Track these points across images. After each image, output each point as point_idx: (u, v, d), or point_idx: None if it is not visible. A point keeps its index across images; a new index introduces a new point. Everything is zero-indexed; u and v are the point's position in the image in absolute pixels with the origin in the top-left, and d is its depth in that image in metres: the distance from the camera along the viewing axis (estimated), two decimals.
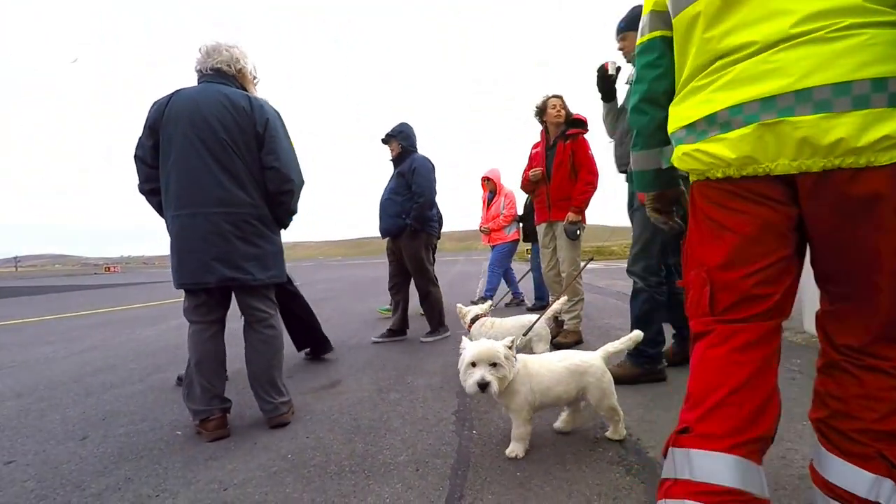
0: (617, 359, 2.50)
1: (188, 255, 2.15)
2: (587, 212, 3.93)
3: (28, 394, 3.19)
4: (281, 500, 1.63)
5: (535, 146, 4.18)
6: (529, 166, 4.19)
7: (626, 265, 2.94)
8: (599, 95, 3.08)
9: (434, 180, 4.15)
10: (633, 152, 1.40)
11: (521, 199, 6.22)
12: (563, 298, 3.03)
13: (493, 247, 6.23)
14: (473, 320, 3.20)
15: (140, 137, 2.23)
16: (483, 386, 1.67)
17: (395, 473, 1.77)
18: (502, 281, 6.38)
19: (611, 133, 3.10)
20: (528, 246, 6.43)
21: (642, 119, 1.31)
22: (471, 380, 1.70)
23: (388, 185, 4.30)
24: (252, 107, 2.23)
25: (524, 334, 2.72)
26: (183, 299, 2.30)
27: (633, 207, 2.78)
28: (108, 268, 62.22)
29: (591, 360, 1.90)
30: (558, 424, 2.07)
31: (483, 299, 5.88)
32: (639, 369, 2.66)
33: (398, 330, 4.44)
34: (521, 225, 6.17)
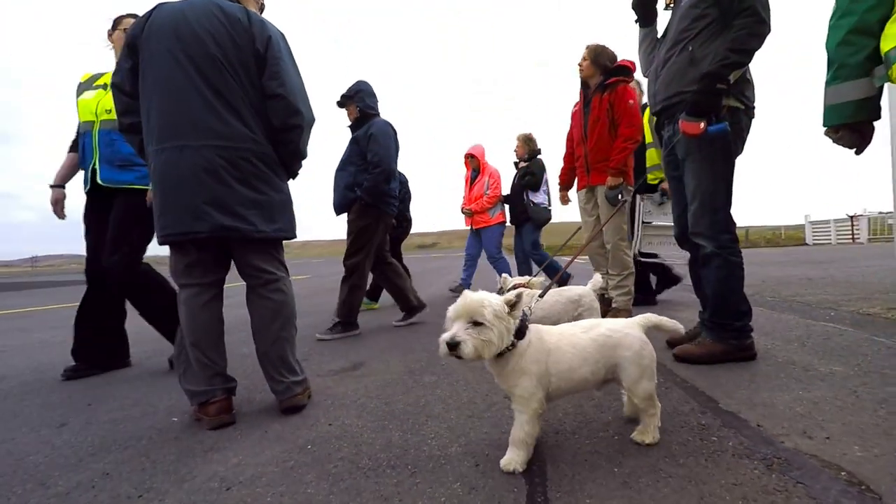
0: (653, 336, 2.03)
1: (174, 198, 1.74)
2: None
3: (13, 377, 2.84)
4: (301, 503, 1.22)
5: (576, 105, 3.72)
6: (570, 128, 3.75)
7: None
8: (634, 18, 2.61)
9: (394, 148, 3.56)
10: (833, 86, 1.50)
11: (507, 178, 5.86)
12: (597, 278, 2.59)
13: (475, 230, 5.78)
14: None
15: (118, 60, 1.83)
16: (452, 346, 1.21)
17: (449, 469, 1.35)
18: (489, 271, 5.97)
19: (646, 67, 2.61)
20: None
21: (848, 50, 1.41)
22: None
23: (342, 155, 3.76)
24: (251, 21, 1.82)
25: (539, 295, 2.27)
26: (170, 258, 1.90)
27: (672, 157, 2.32)
28: None
29: (626, 329, 1.44)
30: (626, 412, 1.63)
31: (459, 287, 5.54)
32: (722, 346, 2.20)
33: (413, 308, 3.98)
34: (505, 206, 5.75)
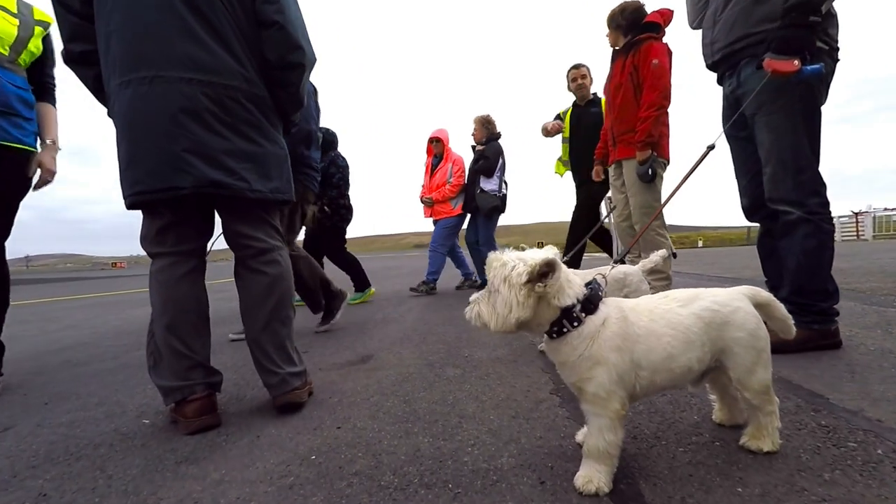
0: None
1: (146, 145, 1.37)
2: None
3: None
4: None
5: None
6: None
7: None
8: None
9: (315, 107, 2.95)
10: None
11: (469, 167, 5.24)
12: (662, 252, 2.22)
13: (435, 221, 5.23)
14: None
15: None
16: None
17: (505, 489, 0.99)
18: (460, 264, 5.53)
19: (693, 17, 2.25)
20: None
21: None
22: None
23: None
24: None
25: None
26: (142, 224, 1.54)
27: (739, 113, 1.95)
28: (115, 264, 62.77)
29: (735, 301, 1.07)
30: (718, 416, 1.27)
31: (426, 283, 5.07)
32: (803, 331, 1.85)
33: (326, 309, 3.25)
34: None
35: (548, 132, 4.31)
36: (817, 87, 1.82)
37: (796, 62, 1.69)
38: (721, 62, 2.06)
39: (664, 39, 2.98)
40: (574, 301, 0.97)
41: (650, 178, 2.88)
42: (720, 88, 2.18)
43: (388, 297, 5.07)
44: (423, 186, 5.37)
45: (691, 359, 1.02)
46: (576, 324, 0.97)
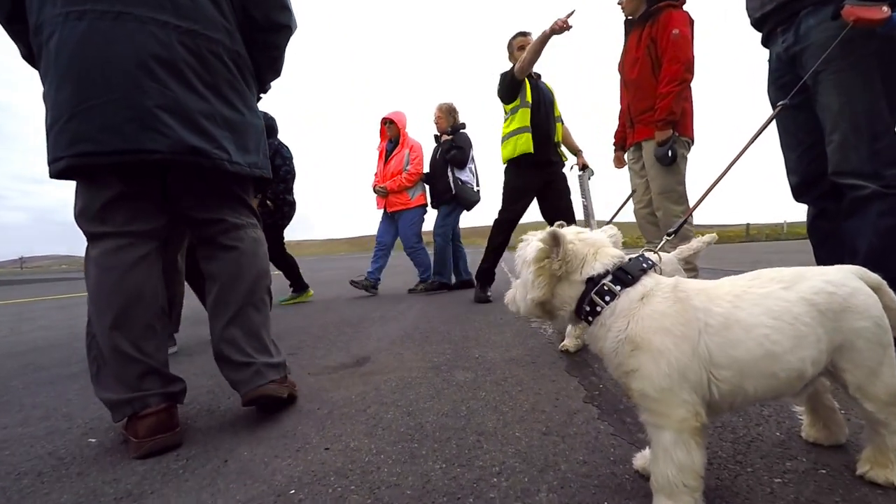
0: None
1: (102, 92, 1.10)
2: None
3: None
4: None
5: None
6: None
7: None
8: None
9: None
10: None
11: (428, 154, 4.84)
12: (708, 237, 1.95)
13: (388, 214, 4.74)
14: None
15: None
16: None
17: None
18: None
19: None
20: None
21: None
22: None
23: None
24: None
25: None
26: (75, 194, 1.24)
27: (787, 76, 1.68)
28: None
29: (853, 282, 0.81)
30: (811, 433, 0.99)
31: (423, 282, 4.74)
32: None
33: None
34: (426, 187, 4.80)
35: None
36: None
37: (885, 8, 1.40)
38: (772, 14, 1.75)
39: (685, 8, 2.68)
40: (603, 271, 0.80)
41: (670, 160, 2.57)
42: (749, 62, 1.90)
43: (385, 294, 4.79)
44: (375, 175, 4.80)
45: (804, 359, 0.75)
46: (607, 298, 0.78)
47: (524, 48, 3.29)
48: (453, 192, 4.49)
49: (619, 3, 2.85)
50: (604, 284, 0.79)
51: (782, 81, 1.80)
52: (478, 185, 4.70)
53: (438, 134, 4.72)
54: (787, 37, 1.74)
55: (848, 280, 0.81)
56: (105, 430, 1.34)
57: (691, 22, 2.60)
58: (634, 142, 2.90)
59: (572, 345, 1.90)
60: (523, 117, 3.40)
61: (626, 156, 3.08)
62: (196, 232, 1.38)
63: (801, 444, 0.98)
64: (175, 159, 1.18)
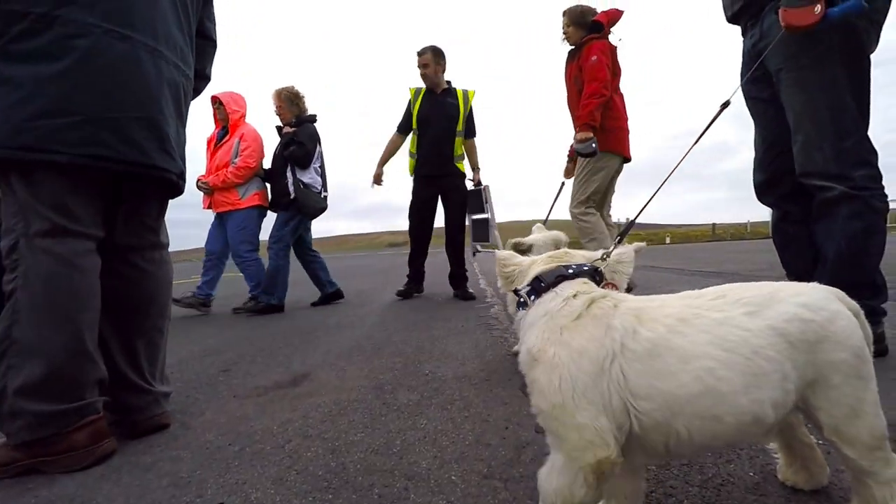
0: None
1: (132, 109, 1.21)
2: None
3: None
4: None
5: None
6: None
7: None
8: None
9: None
10: None
11: (271, 145, 4.02)
12: (636, 245, 1.87)
13: (217, 215, 3.91)
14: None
15: None
16: None
17: None
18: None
19: None
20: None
21: None
22: None
23: None
24: None
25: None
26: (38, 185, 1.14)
27: (757, 71, 1.59)
28: None
29: (832, 304, 0.66)
30: (787, 475, 0.85)
31: (252, 299, 3.87)
32: None
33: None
34: (267, 185, 4.03)
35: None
36: (863, 28, 1.44)
37: (817, 8, 1.30)
38: (742, 12, 1.69)
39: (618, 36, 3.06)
40: (526, 282, 0.78)
41: (593, 150, 2.81)
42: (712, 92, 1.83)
43: (350, 298, 4.56)
44: (206, 169, 4.00)
45: (761, 402, 0.61)
46: (521, 310, 0.78)
47: (422, 65, 3.70)
48: (292, 195, 3.73)
49: (563, 34, 3.11)
50: (518, 294, 0.76)
51: (754, 76, 1.70)
52: (325, 190, 3.97)
53: (280, 125, 3.97)
54: (754, 32, 1.68)
55: (827, 303, 0.67)
56: None
57: (612, 49, 2.95)
58: (573, 155, 3.14)
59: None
60: (411, 143, 3.86)
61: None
62: (123, 241, 1.35)
63: (777, 488, 0.84)
64: (172, 180, 1.35)
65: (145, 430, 1.30)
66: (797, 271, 1.76)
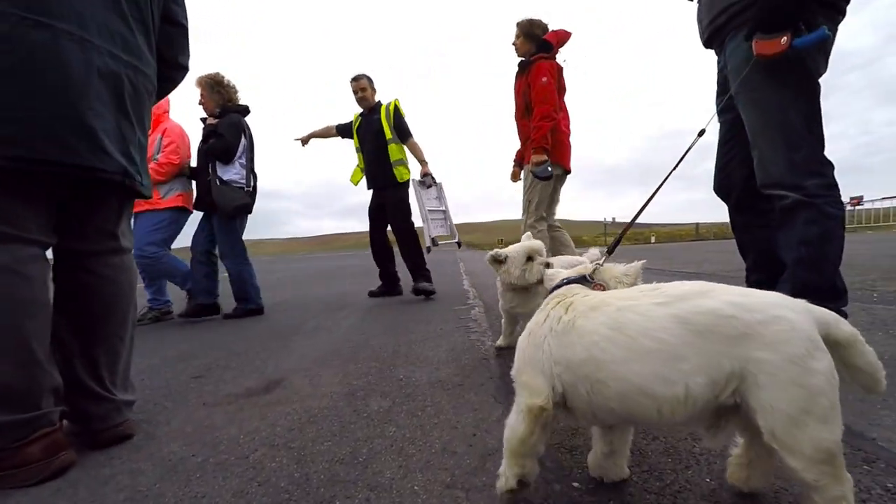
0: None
1: (53, 104, 1.11)
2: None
3: None
4: None
5: None
6: None
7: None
8: None
9: None
10: None
11: (196, 142, 3.71)
12: (597, 250, 1.95)
13: (135, 214, 3.33)
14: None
15: None
16: None
17: None
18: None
19: None
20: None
21: None
22: None
23: None
24: None
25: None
26: None
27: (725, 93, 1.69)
28: None
29: (774, 310, 0.68)
30: (732, 473, 0.86)
31: (153, 309, 3.68)
32: None
33: None
34: (194, 184, 3.74)
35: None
36: (812, 56, 1.51)
37: (784, 40, 1.42)
38: (711, 40, 1.81)
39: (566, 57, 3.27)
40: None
41: (548, 173, 3.02)
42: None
43: (329, 300, 4.52)
44: None
45: (643, 375, 0.72)
46: None
47: (356, 92, 4.08)
48: (213, 195, 3.45)
49: (513, 44, 3.25)
50: None
51: (720, 98, 1.84)
52: (250, 186, 3.61)
53: (204, 116, 3.67)
54: (721, 59, 1.83)
55: (769, 308, 0.68)
56: None
57: (559, 69, 3.13)
58: (525, 164, 3.30)
59: (504, 342, 2.04)
60: (359, 159, 4.25)
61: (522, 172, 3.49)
62: (79, 245, 1.30)
63: (732, 495, 0.85)
64: (113, 180, 1.24)
65: (107, 440, 1.26)
66: (765, 277, 1.82)
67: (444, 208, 4.31)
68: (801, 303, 0.71)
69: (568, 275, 1.01)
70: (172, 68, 1.53)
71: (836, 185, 1.54)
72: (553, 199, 3.32)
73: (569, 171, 3.33)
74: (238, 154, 3.54)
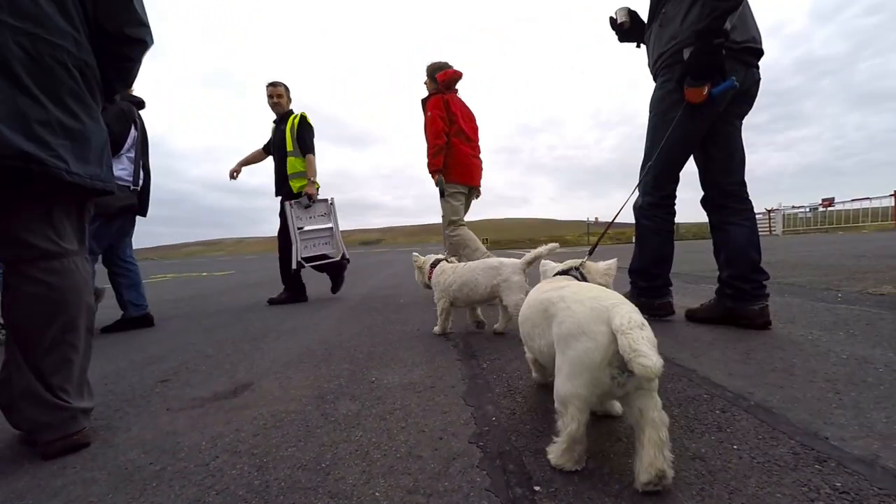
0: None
1: None
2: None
3: None
4: None
5: None
6: None
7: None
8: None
9: None
10: None
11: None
12: (551, 245, 2.12)
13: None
14: (433, 266, 2.54)
15: None
16: None
17: None
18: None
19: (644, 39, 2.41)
20: None
21: None
22: None
23: None
24: None
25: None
26: None
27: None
28: None
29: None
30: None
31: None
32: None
33: None
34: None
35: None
36: (722, 98, 1.97)
37: (705, 91, 1.87)
38: (654, 74, 2.24)
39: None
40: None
41: (443, 189, 3.68)
42: None
43: (312, 300, 4.47)
44: None
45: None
46: None
47: (271, 97, 4.29)
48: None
49: (425, 84, 3.81)
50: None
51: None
52: (136, 184, 3.20)
53: None
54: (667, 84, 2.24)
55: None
56: None
57: (445, 103, 3.60)
58: None
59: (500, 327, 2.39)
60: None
61: None
62: (11, 255, 1.22)
63: (689, 496, 0.86)
64: (3, 164, 1.07)
65: (59, 450, 1.21)
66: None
67: (330, 225, 4.43)
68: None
69: (560, 268, 1.40)
70: (121, 43, 1.34)
71: (656, 203, 2.27)
72: (465, 210, 3.85)
73: (474, 187, 3.83)
74: (125, 148, 3.10)
